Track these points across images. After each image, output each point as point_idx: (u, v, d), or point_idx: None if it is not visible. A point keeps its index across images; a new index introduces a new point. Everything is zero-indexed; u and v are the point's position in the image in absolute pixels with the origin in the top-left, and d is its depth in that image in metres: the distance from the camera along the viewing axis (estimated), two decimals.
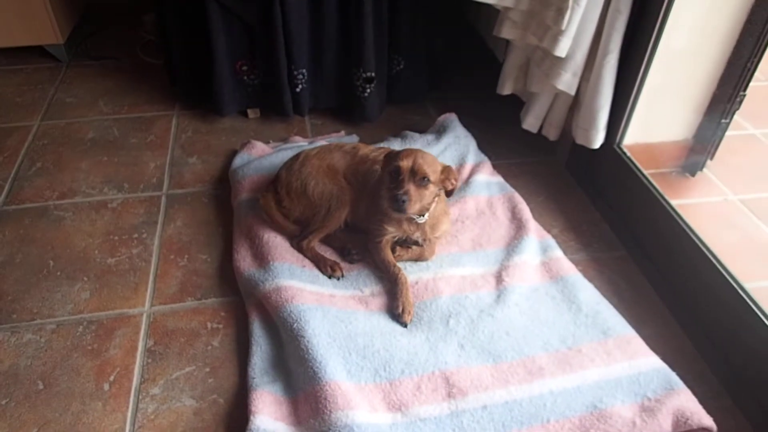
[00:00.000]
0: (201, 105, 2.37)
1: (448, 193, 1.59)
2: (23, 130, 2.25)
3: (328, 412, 1.22)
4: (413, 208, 1.48)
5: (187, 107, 2.40)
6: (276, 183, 1.75)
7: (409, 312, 1.50)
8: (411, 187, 1.46)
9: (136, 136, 2.24)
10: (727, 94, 1.83)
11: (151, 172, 2.06)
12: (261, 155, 2.04)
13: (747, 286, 1.44)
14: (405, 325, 1.48)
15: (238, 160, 2.02)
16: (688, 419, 1.25)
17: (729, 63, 1.80)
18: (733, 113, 1.87)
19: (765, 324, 1.35)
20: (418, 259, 1.66)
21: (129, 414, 1.33)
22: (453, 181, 1.55)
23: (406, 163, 1.46)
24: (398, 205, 1.45)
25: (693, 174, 2.01)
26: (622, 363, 1.38)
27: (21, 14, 2.50)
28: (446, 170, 1.54)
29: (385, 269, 1.61)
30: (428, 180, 1.47)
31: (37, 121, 2.31)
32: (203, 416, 1.33)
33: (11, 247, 1.75)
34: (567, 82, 1.79)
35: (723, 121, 1.88)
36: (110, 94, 2.49)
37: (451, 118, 2.21)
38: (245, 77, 2.21)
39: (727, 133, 1.92)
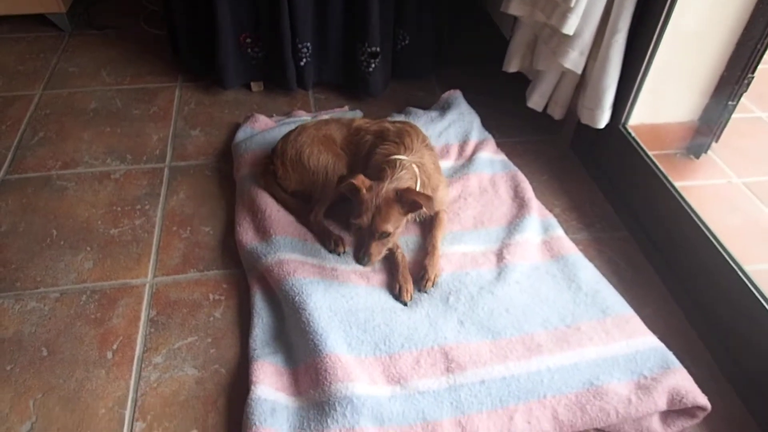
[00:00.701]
0: (204, 77, 2.35)
1: (422, 207, 1.47)
2: (25, 99, 2.24)
3: (328, 384, 1.24)
4: (377, 259, 1.47)
5: (190, 79, 2.38)
6: (273, 155, 1.76)
7: (407, 290, 1.51)
8: (371, 245, 1.43)
9: (138, 107, 2.23)
10: (734, 76, 1.81)
11: (153, 144, 2.05)
12: (264, 129, 2.03)
13: (747, 268, 1.44)
14: (405, 304, 1.49)
15: (241, 134, 2.02)
16: (683, 398, 1.27)
17: (738, 45, 1.78)
18: (740, 95, 1.85)
19: (763, 306, 1.36)
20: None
21: (132, 382, 1.35)
22: (415, 198, 1.42)
23: (364, 221, 1.42)
24: (361, 262, 1.44)
25: (697, 156, 2.00)
26: (620, 342, 1.39)
27: None
28: (405, 193, 1.42)
29: None
30: (387, 234, 1.44)
31: (39, 90, 2.29)
32: (205, 385, 1.35)
33: (14, 216, 1.75)
34: (574, 60, 1.78)
35: (730, 103, 1.87)
36: (113, 64, 2.47)
37: (456, 94, 2.20)
38: (249, 50, 2.19)
39: (734, 115, 1.90)
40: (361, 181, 1.45)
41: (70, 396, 1.32)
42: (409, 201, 1.42)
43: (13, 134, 2.07)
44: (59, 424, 1.27)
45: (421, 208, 1.44)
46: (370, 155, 1.65)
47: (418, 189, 1.52)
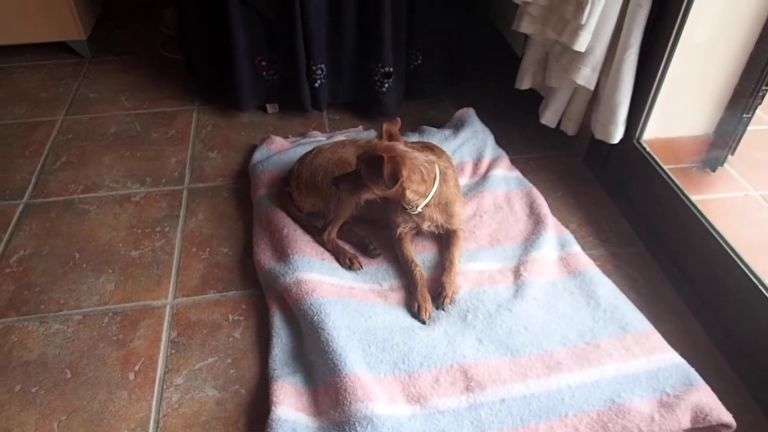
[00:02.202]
0: (221, 100, 2.40)
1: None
2: (48, 125, 2.30)
3: (348, 404, 1.24)
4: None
5: (207, 102, 2.43)
6: (289, 177, 1.79)
7: (426, 309, 1.51)
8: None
9: (157, 130, 2.27)
10: (748, 89, 1.81)
11: (172, 167, 2.09)
12: (280, 150, 2.06)
13: (766, 281, 1.43)
14: (424, 322, 1.50)
15: (257, 155, 2.05)
16: (707, 415, 1.25)
17: (751, 57, 1.78)
18: (755, 108, 1.85)
19: None
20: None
21: (154, 403, 1.37)
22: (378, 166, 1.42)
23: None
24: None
25: (713, 169, 1.99)
26: (641, 358, 1.38)
27: (44, 10, 2.54)
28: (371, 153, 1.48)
29: (402, 263, 1.63)
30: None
31: (61, 116, 2.35)
32: (226, 406, 1.36)
33: (38, 240, 1.79)
34: (586, 76, 1.79)
35: (744, 116, 1.87)
36: (132, 89, 2.53)
37: (469, 112, 2.21)
38: (264, 72, 2.23)
39: (749, 128, 1.90)
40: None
41: (94, 418, 1.34)
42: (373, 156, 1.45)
43: (36, 159, 2.12)
44: None
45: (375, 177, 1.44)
46: None
47: (432, 193, 1.54)
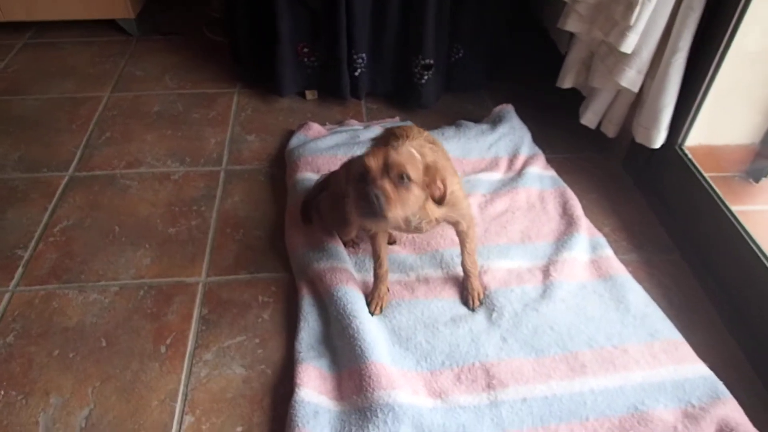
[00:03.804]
0: (261, 84, 2.43)
1: (437, 201, 1.28)
2: (95, 101, 2.37)
3: (372, 390, 1.26)
4: (395, 210, 1.17)
5: (248, 86, 2.46)
6: (306, 202, 1.76)
7: (377, 304, 1.50)
8: (386, 185, 1.17)
9: (198, 111, 2.32)
10: None
11: (211, 148, 2.13)
12: (316, 137, 2.08)
13: None
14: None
15: (294, 141, 2.07)
16: (732, 430, 1.23)
17: None
18: None
19: None
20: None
21: (183, 376, 1.41)
22: (440, 184, 1.23)
23: (374, 162, 1.17)
24: (372, 207, 1.15)
25: (757, 180, 1.93)
26: (668, 367, 1.36)
27: None
28: (430, 169, 1.22)
29: (373, 258, 1.53)
30: (408, 178, 1.18)
31: (107, 93, 2.42)
32: (251, 384, 1.40)
33: (81, 212, 1.85)
34: (631, 78, 1.75)
35: None
36: (176, 69, 2.58)
37: (508, 108, 2.20)
38: (306, 59, 2.25)
39: None
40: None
41: (126, 386, 1.39)
42: (433, 180, 1.22)
43: (82, 133, 2.19)
44: (115, 413, 1.34)
45: (442, 201, 1.22)
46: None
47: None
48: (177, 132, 2.21)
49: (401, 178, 1.18)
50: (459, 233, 1.49)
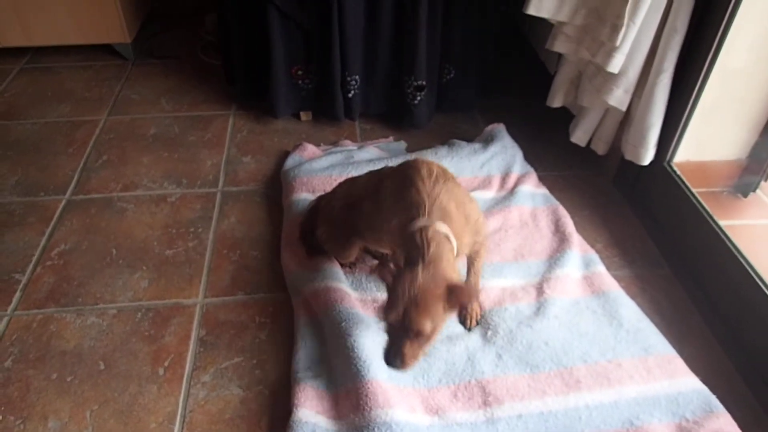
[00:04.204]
0: (256, 106, 2.46)
1: (462, 321, 1.37)
2: (91, 124, 2.39)
3: (369, 409, 1.27)
4: (413, 363, 1.23)
5: (243, 108, 2.50)
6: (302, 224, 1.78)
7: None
8: (405, 344, 1.19)
9: (194, 133, 2.35)
10: None
11: (207, 169, 2.16)
12: (311, 157, 2.11)
13: None
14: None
15: (290, 161, 2.10)
16: None
17: None
18: None
19: None
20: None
21: (181, 398, 1.42)
22: (468, 304, 1.25)
23: (394, 317, 1.17)
24: (392, 365, 1.22)
25: (745, 195, 1.97)
26: (662, 381, 1.38)
27: (93, 13, 2.64)
28: (456, 292, 1.17)
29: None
30: (425, 332, 1.18)
31: (104, 116, 2.45)
32: (249, 405, 1.41)
33: (78, 235, 1.87)
34: (618, 98, 1.80)
35: None
36: (171, 92, 2.61)
37: (499, 128, 2.23)
38: (300, 81, 2.29)
39: None
40: (388, 270, 1.23)
41: (124, 409, 1.40)
42: (462, 299, 1.20)
43: (79, 157, 2.21)
44: None
45: (469, 303, 1.22)
46: (368, 215, 1.48)
47: (455, 253, 1.28)
48: (173, 154, 2.23)
49: (419, 334, 1.18)
50: (473, 253, 1.47)
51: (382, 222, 1.40)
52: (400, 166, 1.44)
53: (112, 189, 2.06)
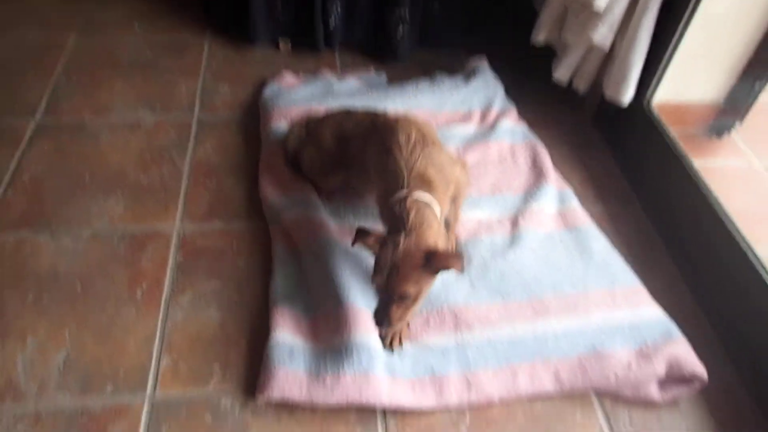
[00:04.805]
0: (233, 33, 2.38)
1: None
2: (60, 46, 2.30)
3: (348, 331, 1.31)
4: (400, 324, 1.32)
5: (219, 34, 2.41)
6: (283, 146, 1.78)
7: None
8: (392, 308, 1.23)
9: (169, 59, 2.27)
10: (763, 58, 1.81)
11: (182, 96, 2.10)
12: (291, 87, 2.07)
13: (757, 250, 1.47)
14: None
15: (268, 90, 2.06)
16: (681, 366, 1.32)
17: None
18: None
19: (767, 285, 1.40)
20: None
21: (159, 320, 1.44)
22: (448, 268, 1.22)
23: (379, 280, 1.24)
24: (380, 324, 1.27)
25: (720, 136, 2.01)
26: (626, 310, 1.44)
27: None
28: (436, 258, 1.21)
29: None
30: (408, 295, 1.23)
31: (73, 38, 2.34)
32: (228, 328, 1.43)
33: (50, 159, 1.83)
34: (602, 35, 1.78)
35: (757, 85, 1.87)
36: (145, 16, 2.51)
37: (481, 62, 2.21)
38: (279, 8, 2.21)
39: (760, 98, 1.90)
40: (373, 239, 1.26)
41: (102, 329, 1.41)
42: (440, 265, 1.22)
43: (48, 80, 2.13)
44: (92, 355, 1.36)
45: (451, 268, 1.23)
46: (357, 161, 1.54)
47: (441, 224, 1.33)
48: (147, 80, 2.17)
49: (403, 297, 1.23)
50: (455, 203, 1.51)
51: (368, 182, 1.46)
52: (381, 128, 1.47)
53: (83, 114, 2.00)
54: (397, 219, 1.29)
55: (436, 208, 1.32)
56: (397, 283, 1.22)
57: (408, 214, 1.27)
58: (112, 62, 2.24)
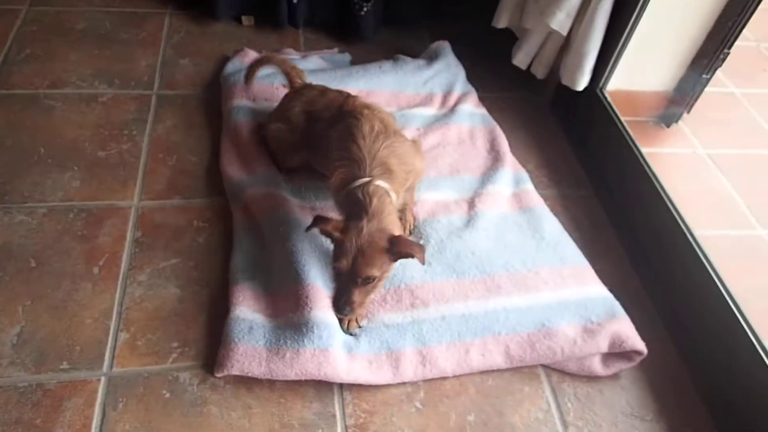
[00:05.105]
0: (194, 7, 2.33)
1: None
2: (11, 14, 2.21)
3: (309, 309, 1.34)
4: (361, 309, 1.37)
5: (180, 7, 2.36)
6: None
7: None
8: (354, 292, 1.30)
9: (128, 31, 2.22)
10: (711, 50, 1.89)
11: (142, 70, 2.06)
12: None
13: (697, 233, 1.56)
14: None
15: (230, 67, 2.04)
16: (623, 342, 1.40)
17: (718, 20, 1.85)
18: (715, 69, 1.93)
19: (706, 268, 1.48)
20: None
21: (117, 296, 1.44)
22: (410, 254, 1.28)
23: (344, 264, 1.28)
24: (341, 312, 1.34)
25: (668, 125, 2.10)
26: (573, 288, 1.51)
27: None
28: (399, 243, 1.27)
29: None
30: (373, 279, 1.29)
31: (25, 6, 2.26)
32: (186, 304, 1.44)
33: (2, 131, 1.78)
34: (560, 21, 1.83)
35: (704, 76, 1.95)
36: None
37: (444, 45, 2.23)
38: None
39: (707, 88, 1.99)
40: (333, 226, 1.29)
41: (58, 305, 1.40)
42: (403, 251, 1.28)
43: None
44: (47, 330, 1.35)
45: (413, 257, 1.28)
46: (322, 143, 1.54)
47: (397, 213, 1.39)
48: (104, 52, 2.12)
49: (367, 280, 1.29)
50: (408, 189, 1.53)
51: (327, 166, 1.47)
52: (345, 117, 1.48)
53: (37, 85, 1.95)
54: (356, 204, 1.32)
55: (393, 197, 1.36)
56: (362, 266, 1.26)
57: (371, 200, 1.30)
58: (68, 32, 2.17)
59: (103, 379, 1.29)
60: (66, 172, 1.69)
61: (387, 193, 1.34)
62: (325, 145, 1.53)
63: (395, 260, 1.32)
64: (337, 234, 1.29)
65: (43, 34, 2.15)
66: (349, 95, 1.61)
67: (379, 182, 1.35)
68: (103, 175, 1.70)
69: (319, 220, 1.31)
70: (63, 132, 1.81)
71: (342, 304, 1.31)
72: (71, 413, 1.23)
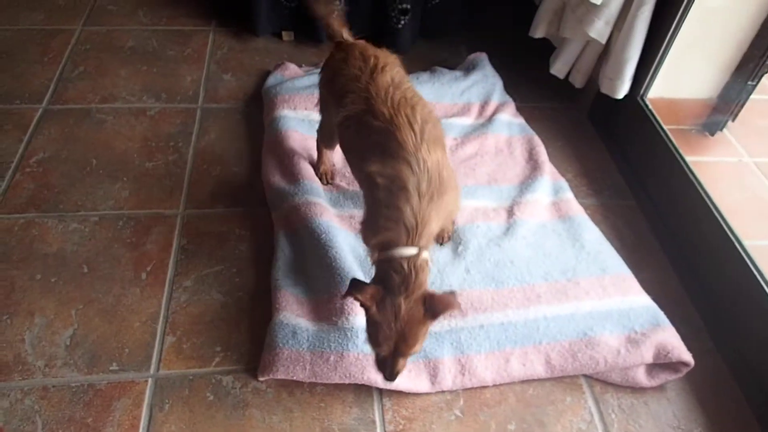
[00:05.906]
0: (237, 23, 2.42)
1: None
2: (66, 34, 2.33)
3: (353, 314, 1.35)
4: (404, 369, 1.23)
5: (223, 24, 2.45)
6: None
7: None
8: (397, 363, 1.18)
9: (173, 48, 2.31)
10: (757, 56, 1.85)
11: (187, 85, 2.14)
12: (293, 77, 2.11)
13: (746, 243, 1.52)
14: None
15: (271, 80, 2.10)
16: (669, 353, 1.37)
17: (763, 25, 1.81)
18: (761, 76, 1.89)
19: (756, 278, 1.44)
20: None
21: (163, 301, 1.48)
22: (449, 312, 1.20)
23: (386, 350, 1.16)
24: (389, 379, 1.21)
25: (712, 133, 2.05)
26: (615, 298, 1.49)
27: None
28: (435, 302, 1.15)
29: None
30: (415, 353, 1.20)
31: (79, 26, 2.38)
32: (230, 309, 1.48)
33: (57, 144, 1.86)
34: (599, 29, 1.82)
35: (750, 83, 1.91)
36: (149, 5, 2.53)
37: (481, 56, 2.25)
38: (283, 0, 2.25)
39: (753, 95, 1.94)
40: (370, 296, 1.14)
41: (108, 309, 1.45)
42: (441, 311, 1.15)
43: (54, 67, 2.16)
44: (98, 333, 1.41)
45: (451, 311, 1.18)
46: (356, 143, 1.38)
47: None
48: (152, 68, 2.20)
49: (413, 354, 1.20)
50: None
51: (360, 177, 1.35)
52: (383, 124, 1.28)
53: (90, 100, 2.04)
54: (398, 274, 1.16)
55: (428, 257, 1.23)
56: (406, 349, 1.16)
57: (416, 276, 1.16)
58: (118, 50, 2.27)
59: (150, 380, 1.34)
60: (116, 183, 1.76)
61: (428, 263, 1.21)
62: (360, 147, 1.35)
63: (434, 319, 1.17)
64: (373, 310, 1.14)
65: (95, 52, 2.25)
66: (376, 67, 1.42)
67: (426, 254, 1.21)
68: (151, 185, 1.77)
69: (354, 288, 1.15)
70: (113, 144, 1.88)
71: (390, 375, 1.19)
72: (120, 413, 1.28)
